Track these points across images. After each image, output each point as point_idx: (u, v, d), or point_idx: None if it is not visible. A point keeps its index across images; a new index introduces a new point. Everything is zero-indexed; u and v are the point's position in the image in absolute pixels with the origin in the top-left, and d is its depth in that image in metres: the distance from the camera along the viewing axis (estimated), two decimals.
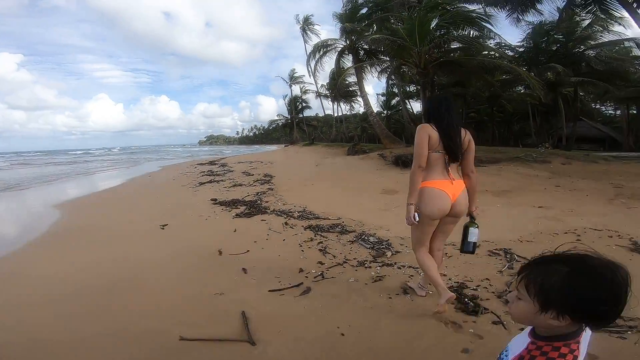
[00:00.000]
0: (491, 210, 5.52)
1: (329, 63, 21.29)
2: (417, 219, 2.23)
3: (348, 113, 46.53)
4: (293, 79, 44.45)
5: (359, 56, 18.48)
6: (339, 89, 41.87)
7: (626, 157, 10.39)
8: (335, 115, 42.30)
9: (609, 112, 44.54)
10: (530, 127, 39.83)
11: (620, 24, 14.21)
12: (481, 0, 12.24)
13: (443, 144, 2.22)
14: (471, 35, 12.74)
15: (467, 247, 2.33)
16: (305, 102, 47.26)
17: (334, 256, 3.66)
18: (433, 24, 11.15)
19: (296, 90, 45.10)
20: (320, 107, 56.88)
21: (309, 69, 19.96)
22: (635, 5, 9.04)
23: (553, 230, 4.38)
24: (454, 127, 2.24)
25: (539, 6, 11.89)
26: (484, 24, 11.60)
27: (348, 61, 19.35)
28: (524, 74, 11.01)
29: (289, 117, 47.67)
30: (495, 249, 3.67)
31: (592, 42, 17.78)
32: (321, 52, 19.39)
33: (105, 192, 9.75)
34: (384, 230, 4.63)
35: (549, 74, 19.40)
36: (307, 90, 44.65)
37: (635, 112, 32.78)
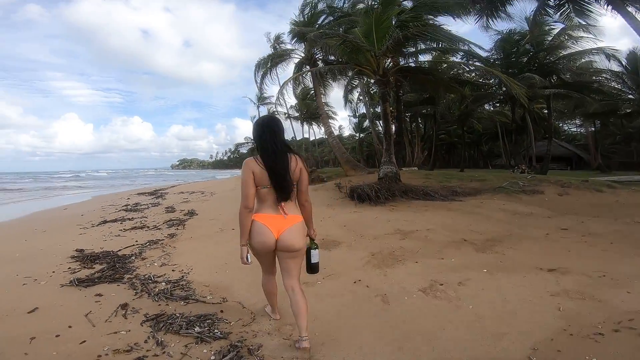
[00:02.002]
0: (474, 282, 3.32)
1: (282, 76, 19.12)
2: (249, 260, 2.17)
3: (324, 136, 45.06)
4: (261, 99, 42.67)
5: (316, 67, 16.52)
6: (305, 110, 40.69)
7: (630, 181, 8.66)
8: (312, 138, 40.46)
9: (572, 129, 45.52)
10: (501, 148, 39.76)
11: (590, 32, 13.20)
12: (447, 8, 10.48)
13: (270, 181, 2.07)
14: (438, 45, 11.04)
15: (312, 269, 2.39)
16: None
17: None
18: (393, 21, 9.22)
19: (265, 111, 43.15)
20: (293, 130, 54.94)
21: (256, 83, 17.37)
22: (629, 7, 7.51)
23: (591, 324, 2.32)
24: (280, 160, 2.06)
25: (509, 9, 10.38)
26: (448, 29, 9.91)
27: (309, 77, 17.30)
28: (506, 79, 9.28)
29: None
30: None
31: (563, 52, 16.88)
32: (269, 64, 16.96)
33: None
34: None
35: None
36: (274, 112, 42.82)
37: (598, 129, 33.10)
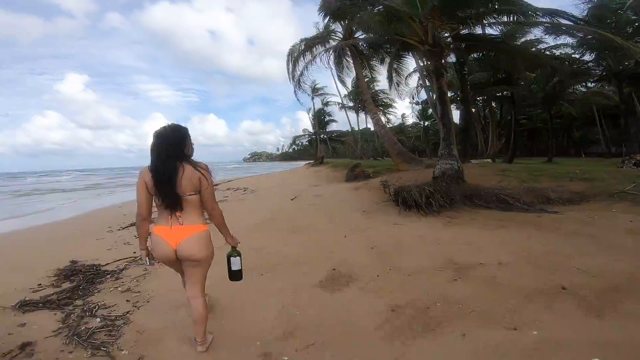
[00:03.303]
0: None
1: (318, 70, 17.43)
2: (149, 262, 2.34)
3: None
4: (315, 90, 41.82)
5: (358, 50, 14.54)
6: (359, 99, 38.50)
7: None
8: (373, 128, 38.44)
9: None
10: (599, 134, 32.96)
11: None
12: None
13: (156, 191, 2.09)
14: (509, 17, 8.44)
15: (233, 276, 2.46)
16: (330, 115, 44.15)
17: None
18: None
19: (319, 103, 42.22)
20: (349, 120, 53.08)
21: (288, 72, 15.70)
22: None
23: None
24: (165, 170, 2.06)
25: None
26: None
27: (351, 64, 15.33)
28: (622, 41, 6.56)
29: (313, 132, 44.74)
30: None
31: None
32: (302, 47, 15.09)
33: None
34: None
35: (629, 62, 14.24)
36: (328, 102, 41.62)
37: None
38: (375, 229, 5.60)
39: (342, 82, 17.11)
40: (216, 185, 18.88)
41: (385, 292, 3.18)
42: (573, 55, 15.56)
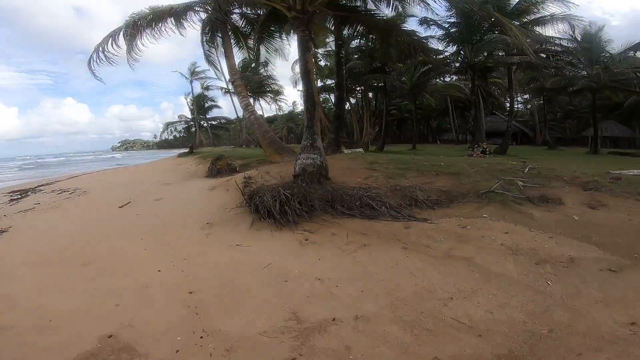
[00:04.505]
0: None
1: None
2: None
3: (278, 112, 40.63)
4: (194, 73, 37.15)
5: (233, 26, 12.38)
6: (246, 84, 35.85)
7: None
8: (267, 115, 35.95)
9: (516, 106, 45.95)
10: (450, 123, 38.69)
11: None
12: None
13: None
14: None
15: None
16: (213, 101, 39.96)
17: None
18: None
19: (199, 87, 37.67)
20: (234, 107, 49.40)
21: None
22: None
23: None
24: None
25: None
26: None
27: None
28: (509, 23, 6.38)
29: (191, 118, 39.96)
30: None
31: (528, 17, 14.65)
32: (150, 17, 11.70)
33: None
34: None
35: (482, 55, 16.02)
36: (209, 86, 37.58)
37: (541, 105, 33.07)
38: (210, 255, 3.94)
39: (211, 63, 14.43)
40: (42, 186, 14.17)
41: None
42: (438, 48, 16.79)
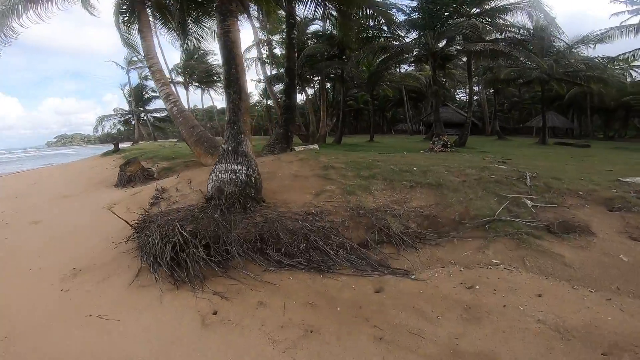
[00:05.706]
0: None
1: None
2: None
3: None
4: (131, 63, 33.13)
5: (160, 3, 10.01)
6: (192, 73, 32.57)
7: None
8: (219, 106, 32.81)
9: (462, 98, 47.34)
10: (405, 114, 38.57)
11: None
12: None
13: None
14: None
15: None
16: (154, 91, 35.96)
17: None
18: None
19: (136, 78, 33.69)
20: (180, 96, 45.21)
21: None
22: None
23: None
24: None
25: None
26: None
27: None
28: None
29: (128, 110, 35.89)
30: None
31: (490, 4, 13.95)
32: None
33: None
34: None
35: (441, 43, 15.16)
36: (147, 76, 33.79)
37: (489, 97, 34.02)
38: (46, 336, 2.15)
39: (132, 47, 11.90)
40: None
41: None
42: (399, 32, 15.73)
